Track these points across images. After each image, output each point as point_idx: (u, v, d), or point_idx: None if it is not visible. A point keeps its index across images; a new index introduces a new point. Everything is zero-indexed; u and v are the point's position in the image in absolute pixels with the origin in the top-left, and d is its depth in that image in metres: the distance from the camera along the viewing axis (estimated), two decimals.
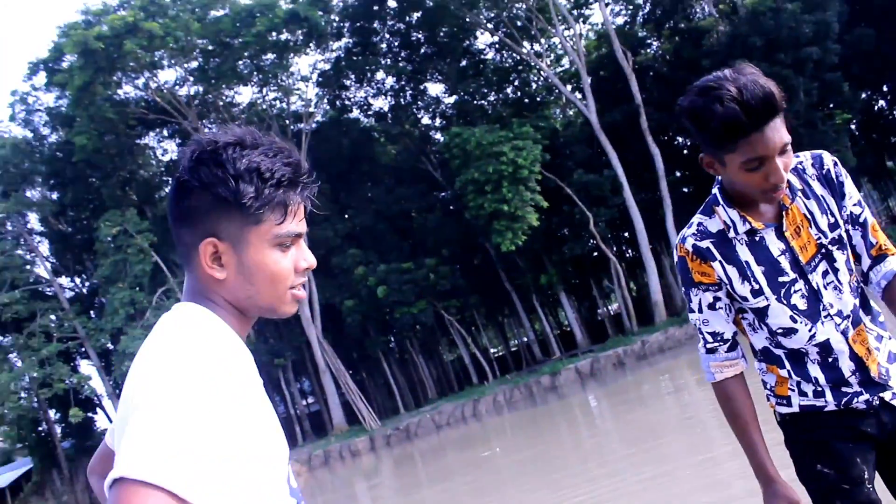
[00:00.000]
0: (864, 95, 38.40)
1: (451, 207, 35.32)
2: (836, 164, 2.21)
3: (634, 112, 32.05)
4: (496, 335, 44.93)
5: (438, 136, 38.04)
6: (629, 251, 39.94)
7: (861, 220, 2.20)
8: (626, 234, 37.51)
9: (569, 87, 36.17)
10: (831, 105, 32.73)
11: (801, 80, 31.00)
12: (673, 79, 33.75)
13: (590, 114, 32.17)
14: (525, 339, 39.81)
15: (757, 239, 2.13)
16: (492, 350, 41.53)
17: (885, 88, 40.51)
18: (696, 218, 2.22)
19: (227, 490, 1.13)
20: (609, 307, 42.87)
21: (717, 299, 2.20)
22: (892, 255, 2.22)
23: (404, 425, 28.48)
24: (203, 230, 1.27)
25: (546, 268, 34.18)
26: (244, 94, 42.27)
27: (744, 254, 2.14)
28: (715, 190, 2.19)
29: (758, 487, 2.17)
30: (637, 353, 27.72)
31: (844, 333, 2.16)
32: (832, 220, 2.15)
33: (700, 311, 2.23)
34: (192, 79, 33.38)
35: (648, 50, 37.20)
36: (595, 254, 36.08)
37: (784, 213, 2.12)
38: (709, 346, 2.24)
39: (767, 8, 31.11)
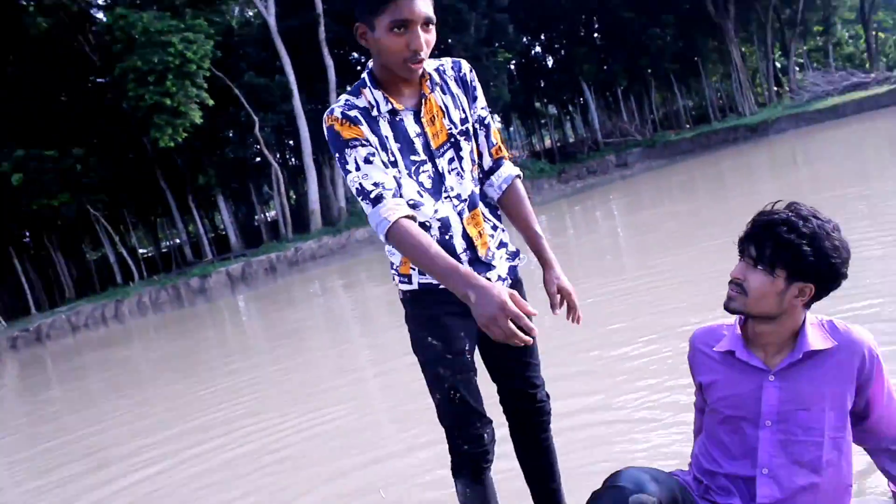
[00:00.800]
0: (525, 40, 41.86)
1: (109, 95, 32.40)
2: (471, 70, 2.47)
3: (314, 21, 31.71)
4: (146, 235, 42.69)
5: (101, 15, 34.47)
6: (293, 159, 39.92)
7: (486, 122, 2.50)
8: (291, 143, 37.36)
9: None
10: (496, 44, 35.09)
11: (473, 16, 32.83)
12: None
13: (269, 16, 31.18)
14: (177, 241, 38.36)
15: (397, 119, 2.31)
16: (141, 250, 39.45)
17: (542, 37, 44.44)
18: (344, 96, 2.36)
19: None
20: (267, 213, 42.69)
21: (371, 154, 2.26)
22: (507, 159, 2.57)
23: (35, 326, 26.10)
24: None
25: (205, 169, 32.95)
26: None
27: (385, 129, 2.30)
28: (364, 75, 2.35)
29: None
30: (290, 259, 27.95)
31: (460, 214, 2.42)
32: (463, 115, 2.41)
33: (357, 168, 2.24)
34: None
35: None
36: (258, 159, 35.53)
37: (423, 101, 2.33)
38: (374, 195, 2.20)
39: None
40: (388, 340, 8.37)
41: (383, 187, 2.22)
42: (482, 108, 2.48)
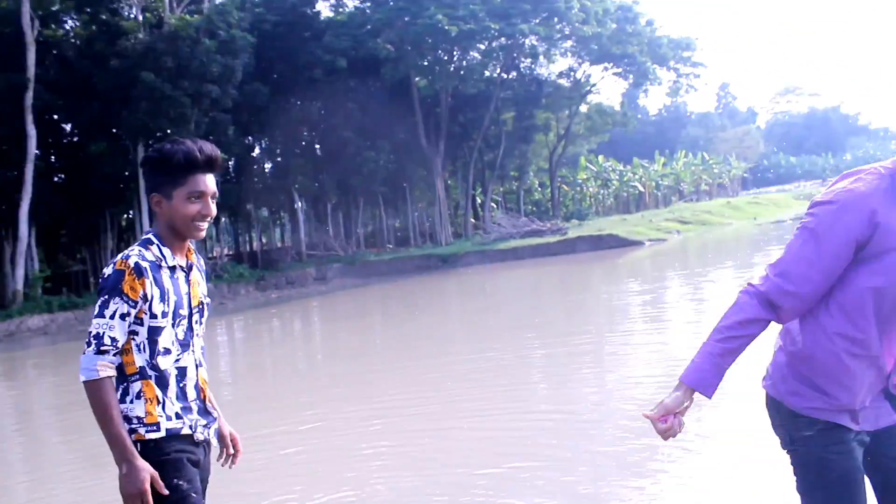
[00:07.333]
0: (246, 140, 42.47)
1: None
2: (198, 258, 2.90)
3: (22, 84, 29.61)
4: None
5: None
6: None
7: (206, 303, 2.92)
8: None
9: None
10: (215, 142, 34.94)
11: (195, 111, 32.81)
12: (76, 66, 32.52)
13: None
14: None
15: (174, 276, 2.72)
16: None
17: (264, 142, 45.36)
18: (137, 248, 2.68)
19: None
20: None
21: (128, 314, 2.60)
22: None
23: None
24: None
25: None
26: None
27: (167, 282, 2.68)
28: (150, 235, 2.73)
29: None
30: None
31: (197, 367, 2.79)
32: (205, 293, 2.89)
33: (112, 318, 2.57)
34: None
35: (61, 28, 35.15)
36: None
37: (191, 268, 2.80)
38: (104, 347, 2.56)
39: (188, 35, 32.24)
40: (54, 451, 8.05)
41: (116, 345, 2.58)
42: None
